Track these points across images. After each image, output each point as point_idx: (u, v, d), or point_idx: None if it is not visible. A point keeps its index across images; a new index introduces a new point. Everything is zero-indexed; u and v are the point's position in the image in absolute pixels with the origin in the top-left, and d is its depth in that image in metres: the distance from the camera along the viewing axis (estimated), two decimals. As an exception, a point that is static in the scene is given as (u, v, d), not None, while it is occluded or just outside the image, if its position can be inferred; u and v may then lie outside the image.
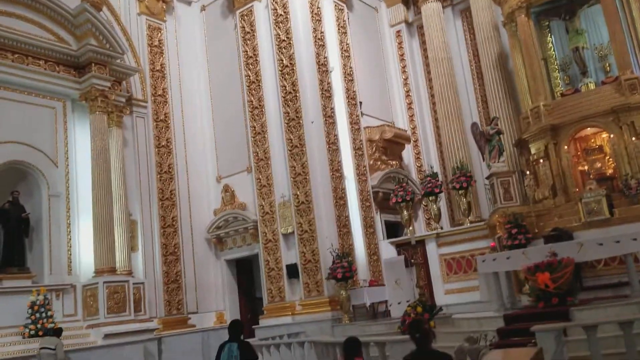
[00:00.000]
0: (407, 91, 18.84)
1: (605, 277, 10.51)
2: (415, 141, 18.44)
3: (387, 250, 14.73)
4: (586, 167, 12.83)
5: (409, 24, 19.22)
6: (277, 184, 14.62)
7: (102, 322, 12.46)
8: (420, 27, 18.70)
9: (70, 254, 13.16)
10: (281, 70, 14.93)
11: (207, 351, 14.30)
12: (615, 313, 8.31)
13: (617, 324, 7.37)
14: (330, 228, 14.06)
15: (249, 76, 15.51)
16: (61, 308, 12.55)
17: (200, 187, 16.25)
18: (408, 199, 14.18)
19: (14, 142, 12.73)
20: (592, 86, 13.55)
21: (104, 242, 13.02)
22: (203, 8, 17.36)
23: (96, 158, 13.44)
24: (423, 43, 18.69)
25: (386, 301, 13.45)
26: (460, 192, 14.12)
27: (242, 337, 6.78)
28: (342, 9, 16.96)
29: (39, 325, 11.52)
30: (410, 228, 14.17)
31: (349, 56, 16.60)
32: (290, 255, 14.28)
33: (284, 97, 14.78)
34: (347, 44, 16.63)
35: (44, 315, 11.70)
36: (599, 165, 12.71)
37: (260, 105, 15.21)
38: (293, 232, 14.20)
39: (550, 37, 14.79)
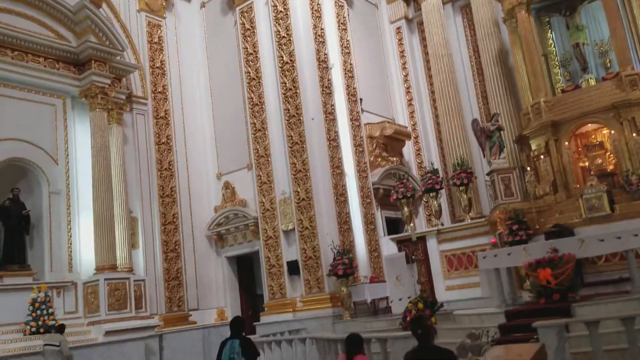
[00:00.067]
0: (408, 88, 18.82)
1: (606, 273, 10.52)
2: (416, 137, 18.43)
3: (388, 246, 14.75)
4: (587, 163, 12.82)
5: (409, 21, 19.18)
6: (277, 181, 14.62)
7: (103, 319, 12.47)
8: (421, 23, 18.66)
9: (71, 251, 13.15)
10: (281, 67, 14.91)
11: (208, 348, 14.33)
12: (617, 309, 8.33)
13: (618, 319, 7.37)
14: (331, 225, 14.06)
15: (249, 73, 15.49)
16: (62, 305, 12.55)
17: (200, 184, 16.26)
18: (409, 195, 14.14)
19: (14, 139, 12.71)
20: (592, 82, 13.54)
21: (104, 239, 13.02)
22: (203, 5, 17.32)
23: (96, 155, 13.43)
24: (423, 39, 18.64)
25: (387, 297, 13.51)
26: (460, 188, 14.14)
27: (243, 334, 6.80)
28: (342, 6, 16.92)
29: (40, 323, 11.54)
30: (411, 224, 14.16)
31: (349, 53, 16.58)
32: (291, 252, 14.28)
33: (284, 94, 14.76)
34: (347, 41, 16.59)
35: (44, 312, 11.72)
36: (599, 161, 12.71)
37: (260, 102, 15.20)
38: (294, 229, 14.20)
39: (551, 33, 14.77)
